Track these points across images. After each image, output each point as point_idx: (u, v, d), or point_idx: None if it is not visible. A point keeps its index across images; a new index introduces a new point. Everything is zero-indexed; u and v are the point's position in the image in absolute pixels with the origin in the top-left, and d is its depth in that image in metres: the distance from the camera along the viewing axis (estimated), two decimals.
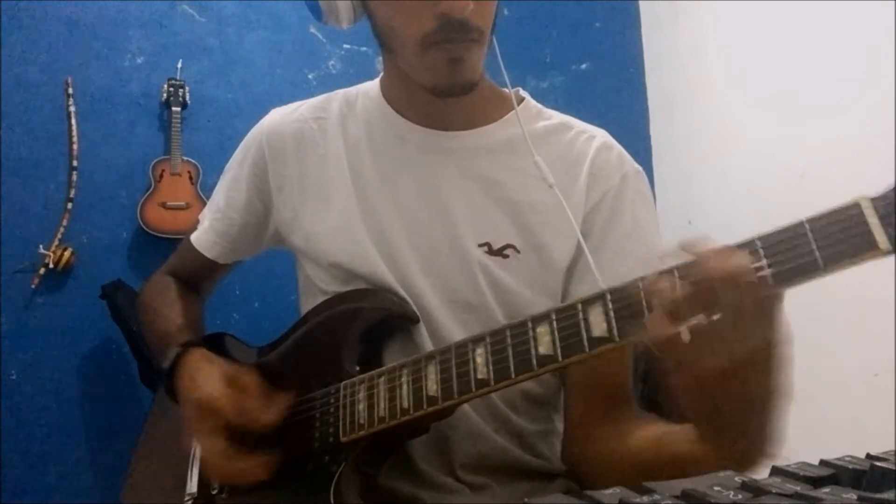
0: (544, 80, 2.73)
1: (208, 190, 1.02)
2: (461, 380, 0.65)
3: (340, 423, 0.74)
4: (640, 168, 0.89)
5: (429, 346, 0.80)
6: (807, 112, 2.05)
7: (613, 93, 2.80)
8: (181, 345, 0.84)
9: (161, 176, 2.23)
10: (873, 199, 0.47)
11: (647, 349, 0.56)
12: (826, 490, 0.30)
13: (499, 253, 0.82)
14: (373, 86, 0.93)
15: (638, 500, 0.30)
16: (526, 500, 0.36)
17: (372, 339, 0.81)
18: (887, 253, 0.46)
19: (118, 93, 2.26)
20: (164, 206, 2.20)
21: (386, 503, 0.79)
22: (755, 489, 0.31)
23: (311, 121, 0.92)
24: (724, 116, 2.41)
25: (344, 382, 0.76)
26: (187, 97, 2.27)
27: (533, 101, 0.91)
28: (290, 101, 0.96)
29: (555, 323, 0.60)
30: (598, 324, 0.58)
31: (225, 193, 0.96)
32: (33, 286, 2.08)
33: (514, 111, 0.86)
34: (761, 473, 0.35)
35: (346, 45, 2.50)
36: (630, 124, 2.75)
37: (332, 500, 0.71)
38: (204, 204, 1.03)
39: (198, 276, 1.03)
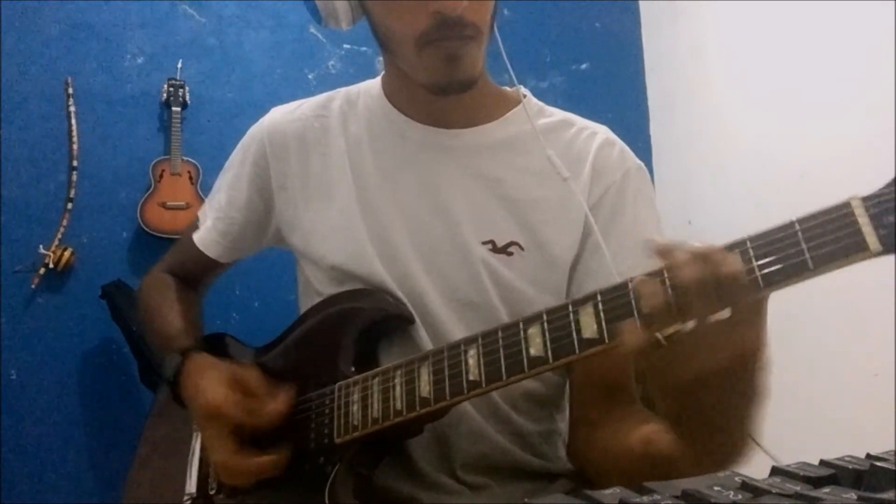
0: (544, 80, 2.73)
1: (208, 190, 1.02)
2: (453, 381, 0.65)
3: (335, 424, 0.75)
4: (642, 164, 0.89)
5: (430, 345, 0.80)
6: (807, 112, 2.05)
7: (613, 93, 2.80)
8: (181, 352, 0.84)
9: (161, 176, 2.23)
10: (864, 199, 0.47)
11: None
12: (826, 490, 0.30)
13: (503, 251, 0.82)
14: (374, 84, 0.93)
15: (638, 500, 0.30)
16: (526, 500, 0.36)
17: (368, 339, 0.82)
18: (877, 254, 0.46)
19: (118, 93, 2.26)
20: (164, 206, 2.20)
21: (385, 503, 0.79)
22: (755, 489, 0.31)
23: (312, 119, 0.92)
24: (724, 116, 2.41)
25: (339, 384, 0.76)
26: (187, 97, 2.27)
27: (534, 99, 0.91)
28: (289, 101, 0.96)
29: (546, 324, 0.60)
30: (588, 325, 0.58)
31: (226, 192, 0.96)
32: (33, 286, 2.08)
33: (514, 109, 0.87)
34: (761, 473, 0.35)
35: (346, 45, 2.50)
36: (630, 124, 2.75)
37: (326, 501, 0.72)
38: None
39: (197, 274, 1.03)
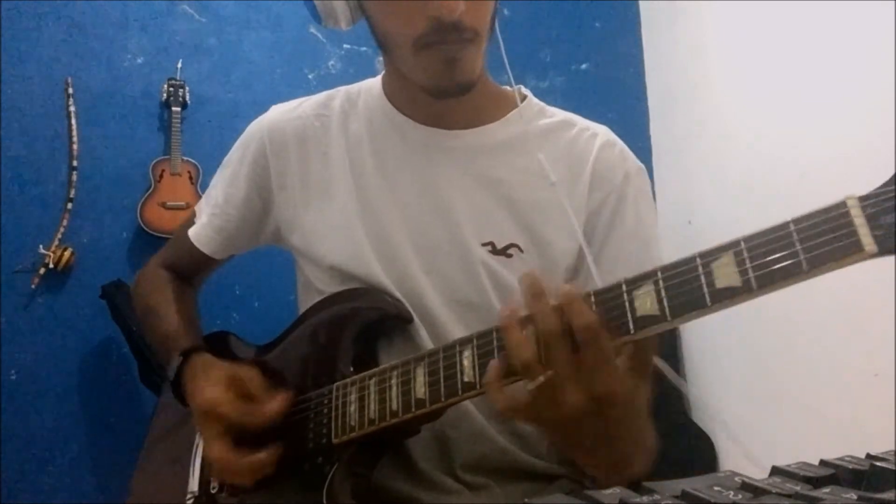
0: (544, 80, 2.73)
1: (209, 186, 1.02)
2: (448, 382, 0.65)
3: (333, 424, 0.75)
4: (642, 165, 0.89)
5: (429, 345, 0.80)
6: (807, 112, 2.05)
7: (613, 93, 2.80)
8: (182, 353, 0.84)
9: (161, 176, 2.23)
10: (861, 199, 0.46)
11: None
12: (826, 490, 0.30)
13: (503, 252, 0.82)
14: (375, 83, 0.92)
15: (638, 500, 0.30)
16: (526, 500, 0.36)
17: (367, 339, 0.82)
18: (872, 256, 0.45)
19: (118, 93, 2.26)
20: (164, 206, 2.20)
21: (385, 503, 0.79)
22: (755, 489, 0.31)
23: (312, 118, 0.92)
24: (724, 116, 2.41)
25: (337, 384, 0.76)
26: (187, 97, 2.27)
27: (535, 100, 0.91)
28: (289, 100, 0.96)
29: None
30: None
31: (223, 189, 0.95)
32: (33, 286, 2.08)
33: (515, 110, 0.86)
34: (761, 473, 0.35)
35: (346, 45, 2.50)
36: (630, 124, 2.75)
37: (325, 501, 0.72)
38: None
39: (192, 270, 1.03)
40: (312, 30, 2.48)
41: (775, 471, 0.34)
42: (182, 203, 2.20)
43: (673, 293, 0.53)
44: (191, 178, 2.25)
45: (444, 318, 0.82)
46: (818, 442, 1.85)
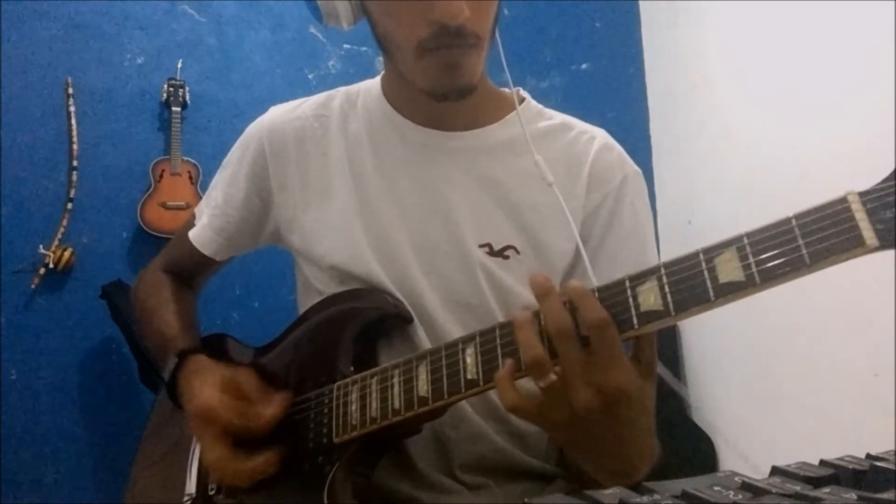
0: (544, 80, 2.73)
1: (208, 188, 1.02)
2: (451, 380, 0.65)
3: (333, 423, 0.75)
4: (639, 169, 0.89)
5: (428, 346, 0.80)
6: (807, 112, 2.05)
7: (613, 93, 2.80)
8: (178, 354, 0.84)
9: (161, 176, 2.23)
10: (861, 194, 0.47)
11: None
12: (826, 490, 0.30)
13: (499, 254, 0.83)
14: (374, 84, 0.92)
15: (638, 500, 0.30)
16: (526, 500, 0.36)
17: (367, 339, 0.82)
18: (874, 249, 0.46)
19: (118, 93, 2.26)
20: (164, 206, 2.20)
21: (384, 503, 0.79)
22: (755, 489, 0.31)
23: (312, 119, 0.91)
24: (724, 116, 2.41)
25: (337, 383, 0.76)
26: (187, 97, 2.27)
27: (534, 102, 0.91)
28: (290, 100, 0.96)
29: (542, 323, 0.60)
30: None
31: (223, 190, 0.95)
32: (33, 286, 2.08)
33: (514, 112, 0.86)
34: (761, 473, 0.36)
35: (346, 45, 2.51)
36: (630, 124, 2.75)
37: (325, 501, 0.72)
38: None
39: (193, 272, 1.02)
40: (312, 30, 2.48)
41: (775, 471, 0.34)
42: (182, 203, 2.20)
43: (676, 288, 0.53)
44: (191, 178, 2.25)
45: (443, 318, 0.82)
46: (818, 442, 1.85)
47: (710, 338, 2.40)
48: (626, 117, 2.76)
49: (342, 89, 0.95)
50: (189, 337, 0.89)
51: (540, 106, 0.91)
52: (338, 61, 2.51)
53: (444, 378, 0.65)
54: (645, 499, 0.30)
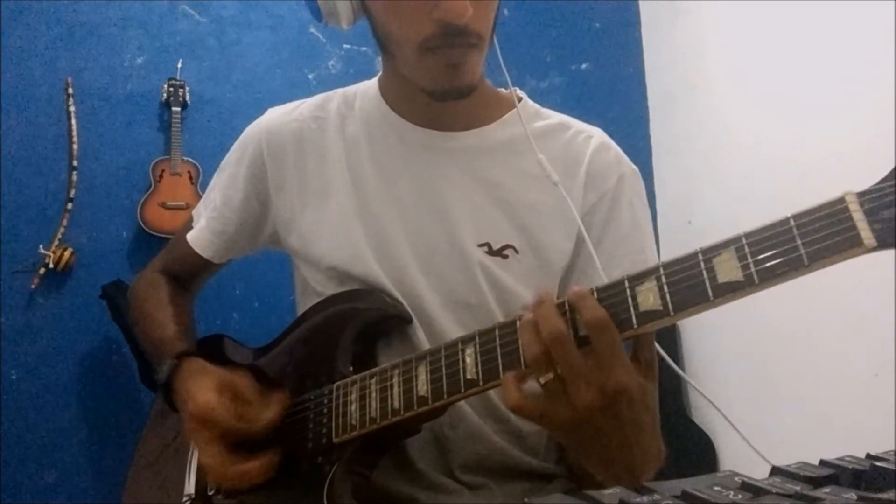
0: (544, 80, 2.73)
1: (208, 188, 1.02)
2: (450, 380, 0.65)
3: (333, 423, 0.75)
4: (636, 168, 0.89)
5: (427, 346, 0.80)
6: (807, 112, 2.05)
7: (613, 93, 2.80)
8: (175, 356, 0.84)
9: (161, 176, 2.23)
10: (859, 195, 0.47)
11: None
12: (826, 490, 0.30)
13: (498, 253, 0.83)
14: (371, 85, 0.92)
15: (638, 500, 0.30)
16: (526, 500, 0.36)
17: (366, 339, 0.82)
18: (872, 249, 0.46)
19: (118, 93, 2.26)
20: (164, 206, 2.20)
21: (383, 503, 0.79)
22: (755, 489, 0.31)
23: (309, 121, 0.92)
24: (724, 116, 2.41)
25: (337, 383, 0.76)
26: (187, 97, 2.27)
27: (531, 102, 0.91)
28: (289, 101, 0.96)
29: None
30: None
31: (221, 192, 0.95)
32: (33, 286, 2.08)
33: (512, 111, 0.86)
34: (761, 473, 0.35)
35: (346, 45, 2.51)
36: (630, 124, 2.75)
37: (325, 501, 0.72)
38: None
39: (191, 274, 1.02)
40: (312, 30, 2.48)
41: (775, 471, 0.34)
42: (182, 203, 2.20)
43: (675, 288, 0.54)
44: (191, 178, 2.25)
45: (442, 318, 0.82)
46: (818, 442, 1.85)
47: (709, 338, 2.40)
48: (626, 117, 2.76)
49: (339, 91, 0.95)
50: (185, 340, 0.89)
51: (537, 106, 0.91)
52: (338, 61, 2.51)
53: (444, 378, 0.65)
54: (645, 499, 0.30)
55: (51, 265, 2.06)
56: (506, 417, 0.83)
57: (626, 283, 0.57)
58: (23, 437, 2.02)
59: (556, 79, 2.75)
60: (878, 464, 0.33)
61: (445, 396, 0.65)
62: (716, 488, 0.31)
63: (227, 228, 0.95)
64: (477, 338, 0.64)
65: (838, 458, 0.35)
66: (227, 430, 0.74)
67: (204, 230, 0.96)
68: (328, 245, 0.86)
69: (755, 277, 0.50)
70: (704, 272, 0.52)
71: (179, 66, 2.30)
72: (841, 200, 0.47)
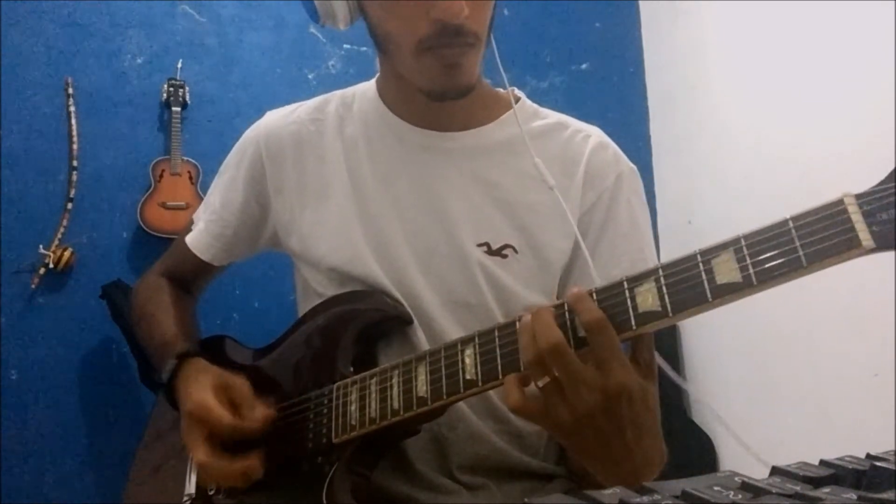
0: (544, 80, 2.73)
1: (208, 190, 1.02)
2: (450, 380, 0.65)
3: (333, 424, 0.75)
4: (634, 167, 0.89)
5: (427, 346, 0.80)
6: (806, 112, 2.05)
7: (613, 93, 2.80)
8: (176, 356, 0.84)
9: (161, 176, 2.23)
10: (858, 197, 0.47)
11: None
12: (826, 490, 0.30)
13: (498, 253, 0.83)
14: (369, 86, 0.93)
15: (638, 500, 0.30)
16: (526, 500, 0.36)
17: (367, 340, 0.82)
18: (870, 251, 0.46)
19: (118, 93, 2.26)
20: (164, 206, 2.20)
21: (383, 503, 0.79)
22: (755, 489, 0.31)
23: (308, 123, 0.92)
24: (724, 116, 2.41)
25: (337, 384, 0.76)
26: (187, 97, 2.27)
27: (529, 101, 0.91)
28: (289, 101, 0.96)
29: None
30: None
31: (221, 195, 0.96)
32: (33, 286, 2.08)
33: (510, 111, 0.86)
34: (761, 473, 0.35)
35: (346, 45, 2.50)
36: (630, 124, 2.75)
37: (324, 501, 0.72)
38: None
39: (191, 277, 1.02)
40: (312, 30, 2.48)
41: (775, 471, 0.34)
42: (182, 203, 2.20)
43: (674, 289, 0.54)
44: (191, 178, 2.25)
45: (442, 318, 0.82)
46: (818, 442, 1.85)
47: (709, 338, 2.40)
48: (626, 117, 2.76)
49: (338, 93, 0.95)
50: (187, 340, 0.89)
51: (535, 105, 0.91)
52: (338, 61, 2.50)
53: (443, 378, 0.65)
54: (645, 499, 0.30)
55: (51, 265, 2.06)
56: (505, 418, 0.83)
57: (625, 285, 0.57)
58: (23, 437, 2.02)
59: (556, 79, 2.75)
60: (878, 464, 0.33)
61: (445, 397, 0.65)
62: (716, 488, 0.31)
63: (226, 231, 0.95)
64: (476, 338, 0.64)
65: (838, 458, 0.35)
66: (218, 429, 0.75)
67: (203, 233, 0.96)
68: (328, 246, 0.86)
69: (753, 279, 0.50)
70: (703, 273, 0.53)
71: (179, 66, 2.30)
72: (839, 202, 0.48)
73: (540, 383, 0.58)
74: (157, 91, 2.28)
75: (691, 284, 0.53)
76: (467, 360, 0.64)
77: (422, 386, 0.67)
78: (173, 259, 1.03)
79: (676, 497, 0.31)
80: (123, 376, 2.14)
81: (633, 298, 0.56)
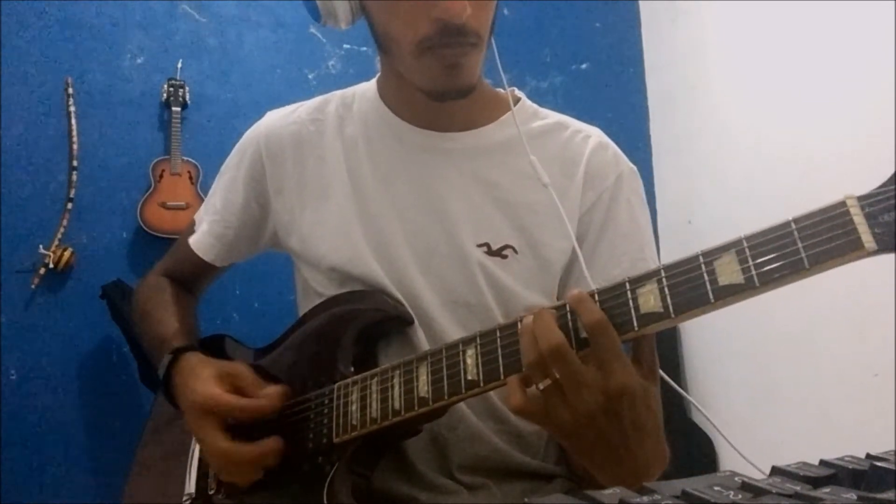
0: (544, 80, 2.73)
1: (208, 190, 1.02)
2: (451, 381, 0.65)
3: (333, 424, 0.75)
4: (635, 167, 0.89)
5: (427, 346, 0.80)
6: (806, 112, 2.05)
7: (613, 93, 2.80)
8: (171, 352, 0.84)
9: (161, 176, 2.23)
10: (860, 199, 0.47)
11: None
12: (826, 490, 0.30)
13: (498, 253, 0.83)
14: (369, 87, 0.93)
15: (638, 500, 0.30)
16: (526, 500, 0.36)
17: (367, 340, 0.82)
18: (872, 253, 0.46)
19: (118, 93, 2.26)
20: (164, 206, 2.20)
21: (383, 503, 0.79)
22: (755, 489, 0.31)
23: (308, 123, 0.92)
24: (724, 116, 2.41)
25: (338, 384, 0.76)
26: (187, 97, 2.27)
27: (529, 102, 0.91)
28: (289, 101, 0.96)
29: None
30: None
31: (222, 196, 0.96)
32: (33, 286, 2.08)
33: (510, 112, 0.86)
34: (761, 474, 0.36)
35: (346, 45, 2.50)
36: (630, 124, 2.75)
37: (325, 501, 0.72)
38: None
39: (193, 278, 1.03)
40: (312, 30, 2.48)
41: (775, 471, 0.34)
42: (182, 203, 2.20)
43: (676, 291, 0.54)
44: (191, 178, 2.25)
45: (442, 319, 0.82)
46: (818, 442, 1.85)
47: (710, 338, 2.40)
48: (626, 117, 2.76)
49: (338, 93, 0.95)
50: (185, 337, 0.89)
51: (535, 106, 0.91)
52: (338, 61, 2.50)
53: (445, 379, 0.65)
54: (645, 499, 0.30)
55: (51, 265, 2.06)
56: (505, 418, 0.83)
57: (627, 286, 0.57)
58: (23, 437, 2.02)
59: (556, 79, 2.75)
60: (878, 464, 0.33)
61: (446, 397, 0.65)
62: (716, 488, 0.31)
63: (228, 231, 0.95)
64: (478, 339, 0.64)
65: (838, 458, 0.35)
66: (231, 414, 0.75)
67: (205, 234, 0.97)
68: (328, 246, 0.86)
69: (756, 280, 0.50)
70: (705, 275, 0.53)
71: (179, 66, 2.30)
72: (842, 204, 0.48)
73: (541, 384, 0.58)
74: (157, 91, 2.28)
75: (693, 286, 0.53)
76: (469, 361, 0.64)
77: (423, 386, 0.67)
78: (175, 259, 1.03)
79: (676, 497, 0.31)
80: (123, 376, 2.14)
81: (634, 299, 0.56)
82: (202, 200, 1.01)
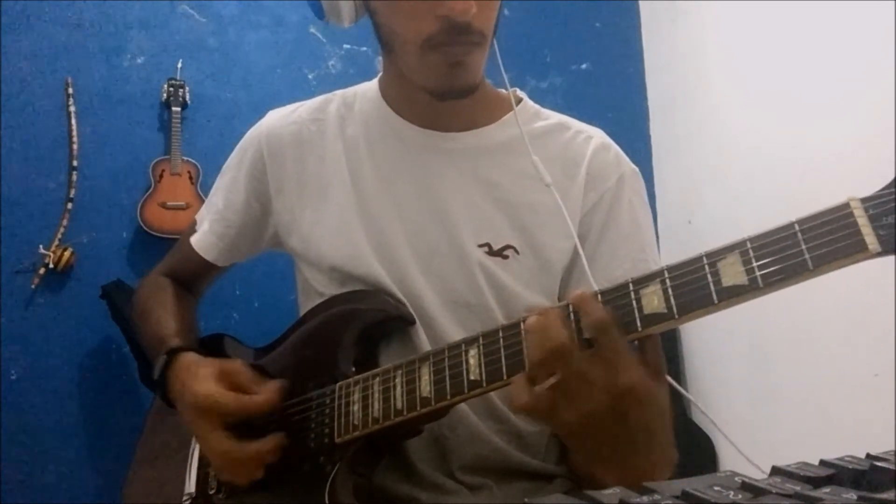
0: (544, 80, 2.73)
1: (208, 190, 1.02)
2: (454, 381, 0.65)
3: (335, 423, 0.75)
4: (636, 168, 0.89)
5: (427, 346, 0.80)
6: (807, 112, 2.05)
7: (613, 93, 2.80)
8: (166, 352, 0.84)
9: (161, 176, 2.23)
10: (864, 200, 0.47)
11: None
12: (826, 490, 0.30)
13: (498, 253, 0.83)
14: (371, 86, 0.93)
15: (638, 500, 0.30)
16: (526, 500, 0.36)
17: (368, 340, 0.82)
18: (876, 255, 0.46)
19: (118, 93, 2.26)
20: (164, 206, 2.20)
21: (384, 503, 0.79)
22: (755, 489, 0.31)
23: (308, 123, 0.92)
24: (724, 116, 2.41)
25: (339, 383, 0.76)
26: (187, 97, 2.27)
27: (531, 102, 0.91)
28: (290, 101, 0.96)
29: None
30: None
31: (223, 195, 0.96)
32: (33, 286, 2.08)
33: (511, 112, 0.86)
34: (761, 474, 0.36)
35: (346, 45, 2.51)
36: (630, 124, 2.75)
37: (326, 501, 0.72)
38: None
39: (194, 277, 1.03)
40: (312, 30, 2.48)
41: (775, 471, 0.34)
42: (182, 203, 2.20)
43: (679, 291, 0.54)
44: (191, 178, 2.25)
45: (442, 319, 0.82)
46: (818, 442, 1.85)
47: (710, 338, 2.40)
48: (626, 117, 2.76)
49: (339, 93, 0.95)
50: (183, 336, 0.89)
51: (537, 106, 0.91)
52: (338, 61, 2.50)
53: (447, 379, 0.66)
54: (645, 499, 0.30)
55: (51, 265, 2.06)
56: (505, 417, 0.83)
57: (631, 286, 0.57)
58: (23, 437, 2.02)
59: (556, 79, 2.75)
60: (878, 464, 0.33)
61: (448, 397, 0.65)
62: (716, 488, 0.31)
63: (229, 231, 0.95)
64: (480, 339, 0.64)
65: (838, 458, 0.35)
66: (228, 415, 0.75)
67: (207, 233, 0.97)
68: (329, 245, 0.86)
69: (760, 281, 0.50)
70: (709, 276, 0.53)
71: (179, 66, 2.30)
72: (845, 206, 0.48)
73: (546, 384, 0.58)
74: (157, 91, 2.28)
75: (697, 286, 0.53)
76: (471, 361, 0.64)
77: (426, 386, 0.67)
78: (176, 259, 1.03)
79: (676, 497, 0.31)
80: (123, 376, 2.14)
81: (638, 300, 0.56)
82: (202, 200, 1.01)
